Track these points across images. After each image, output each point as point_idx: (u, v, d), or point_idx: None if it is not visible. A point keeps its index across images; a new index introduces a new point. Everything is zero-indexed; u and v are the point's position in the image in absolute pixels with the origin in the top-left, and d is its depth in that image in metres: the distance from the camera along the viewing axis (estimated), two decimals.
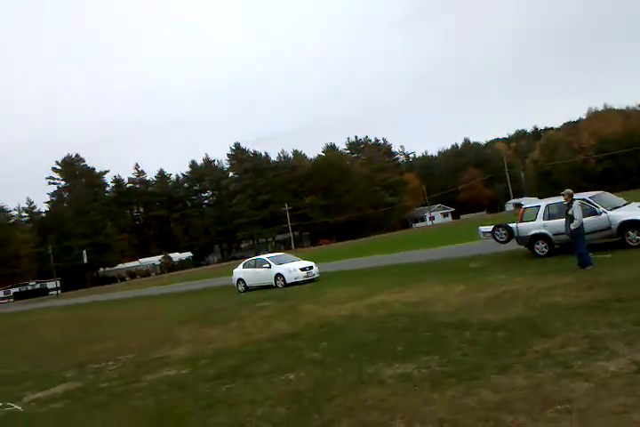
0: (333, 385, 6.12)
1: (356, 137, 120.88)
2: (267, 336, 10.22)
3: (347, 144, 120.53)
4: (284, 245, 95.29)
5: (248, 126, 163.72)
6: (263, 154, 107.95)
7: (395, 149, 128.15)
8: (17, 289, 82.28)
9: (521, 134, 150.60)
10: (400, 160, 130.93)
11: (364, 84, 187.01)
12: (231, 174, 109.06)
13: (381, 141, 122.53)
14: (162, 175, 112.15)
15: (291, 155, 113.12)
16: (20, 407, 7.80)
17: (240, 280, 22.53)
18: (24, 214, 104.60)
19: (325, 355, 7.73)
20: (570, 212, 11.54)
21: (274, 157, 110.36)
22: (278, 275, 20.76)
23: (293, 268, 20.77)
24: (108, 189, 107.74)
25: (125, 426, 6.12)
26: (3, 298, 79.96)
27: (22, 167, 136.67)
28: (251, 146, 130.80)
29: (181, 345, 11.04)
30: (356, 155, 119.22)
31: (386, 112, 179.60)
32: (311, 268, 20.90)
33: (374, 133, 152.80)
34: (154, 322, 16.34)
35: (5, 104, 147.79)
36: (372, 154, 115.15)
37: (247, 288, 22.13)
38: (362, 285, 16.02)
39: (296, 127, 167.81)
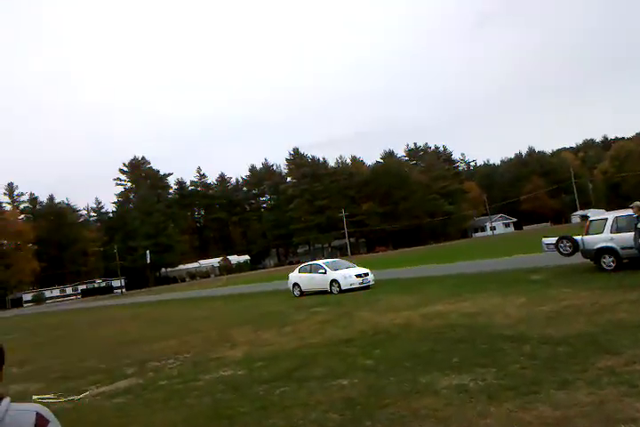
0: (386, 393, 6.10)
1: (415, 144, 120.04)
2: (321, 341, 10.29)
3: (405, 151, 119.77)
4: (339, 252, 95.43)
5: (307, 131, 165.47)
6: (321, 159, 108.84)
7: (455, 156, 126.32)
8: (84, 286, 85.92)
9: (589, 144, 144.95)
10: (460, 168, 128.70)
11: (425, 92, 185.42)
12: (289, 179, 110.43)
13: (441, 149, 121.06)
14: (222, 179, 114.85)
15: (349, 161, 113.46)
16: (78, 398, 8.22)
17: (296, 285, 22.74)
18: (92, 214, 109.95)
19: (379, 362, 7.72)
20: (639, 225, 11.04)
21: (332, 163, 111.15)
22: (334, 281, 20.82)
23: (349, 274, 20.77)
24: (171, 191, 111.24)
25: (182, 423, 6.30)
26: (71, 295, 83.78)
27: (92, 169, 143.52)
28: (309, 151, 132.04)
29: (238, 347, 11.26)
30: (414, 162, 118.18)
31: (447, 119, 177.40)
32: (367, 274, 20.84)
33: (434, 140, 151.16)
34: (212, 323, 16.73)
35: (76, 107, 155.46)
36: (432, 161, 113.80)
37: (302, 293, 22.30)
38: (418, 293, 15.86)
39: (354, 133, 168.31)
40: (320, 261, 23.93)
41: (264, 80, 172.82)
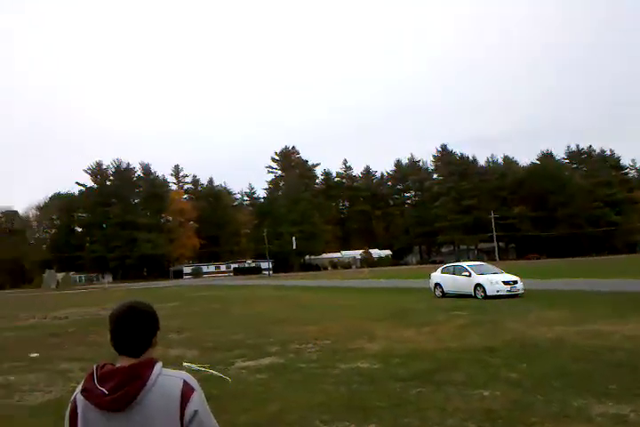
0: (532, 411, 5.75)
1: (577, 146, 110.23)
2: (461, 346, 9.99)
3: (566, 153, 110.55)
4: (486, 255, 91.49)
5: (456, 127, 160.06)
6: (470, 157, 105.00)
7: (624, 162, 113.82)
8: (236, 265, 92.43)
9: None
10: (630, 175, 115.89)
11: (593, 90, 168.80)
12: (435, 176, 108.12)
13: (608, 153, 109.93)
14: (367, 172, 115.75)
15: (500, 160, 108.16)
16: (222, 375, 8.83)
17: (437, 285, 22.31)
18: (246, 198, 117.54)
19: (524, 377, 7.29)
20: None
21: (482, 162, 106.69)
22: (478, 285, 20.05)
23: (495, 280, 19.86)
24: (317, 181, 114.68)
25: (317, 406, 6.49)
26: (224, 271, 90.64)
27: (248, 157, 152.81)
28: (457, 148, 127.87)
29: (376, 340, 11.34)
30: (576, 165, 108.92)
31: (616, 121, 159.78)
32: (515, 282, 19.76)
33: (600, 143, 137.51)
34: (352, 313, 17.02)
35: (235, 101, 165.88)
36: (596, 166, 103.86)
37: (444, 294, 21.81)
38: (574, 308, 14.69)
39: (507, 131, 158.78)
40: (464, 264, 23.26)
41: (415, 73, 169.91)
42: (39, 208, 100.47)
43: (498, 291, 19.37)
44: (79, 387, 1.82)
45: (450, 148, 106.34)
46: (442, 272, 22.70)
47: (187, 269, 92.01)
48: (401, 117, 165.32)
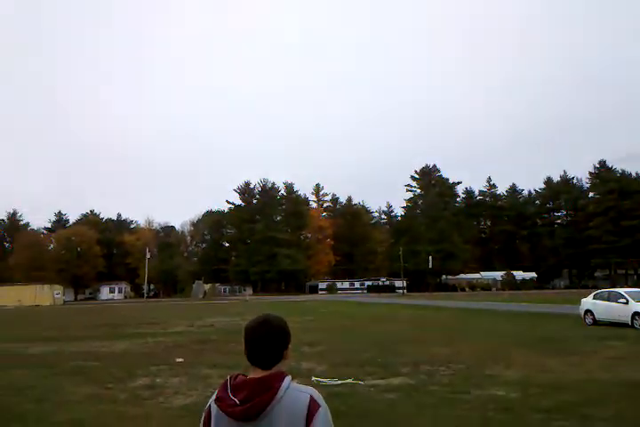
0: None
1: None
2: (612, 379, 9.01)
3: None
4: None
5: (616, 142, 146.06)
6: (634, 174, 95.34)
7: None
8: (370, 282, 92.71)
9: None
10: None
11: None
12: (591, 194, 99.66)
13: None
14: (513, 190, 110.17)
15: None
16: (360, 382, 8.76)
17: (588, 312, 20.44)
18: (383, 217, 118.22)
19: None
20: None
21: None
22: (637, 313, 18.01)
23: None
24: (458, 199, 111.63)
25: None
26: (358, 288, 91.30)
27: (386, 176, 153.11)
28: (618, 165, 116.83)
29: (514, 367, 10.63)
30: None
31: None
32: None
33: None
34: (489, 337, 16.17)
35: (377, 120, 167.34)
36: None
37: (596, 322, 19.90)
38: None
39: None
40: (621, 290, 21.06)
41: (567, 81, 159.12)
42: (193, 224, 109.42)
43: None
44: (214, 395, 1.93)
45: (609, 164, 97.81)
46: (594, 298, 20.78)
47: (322, 285, 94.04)
48: (553, 132, 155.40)
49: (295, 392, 1.84)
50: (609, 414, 6.69)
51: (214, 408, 1.90)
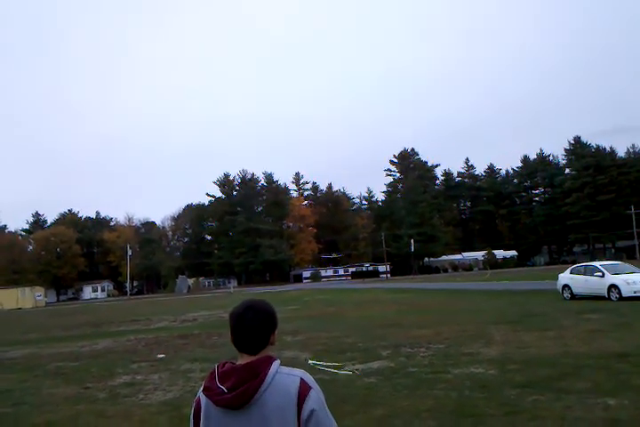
0: None
1: None
2: (588, 352, 9.15)
3: None
4: (625, 254, 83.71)
5: (590, 119, 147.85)
6: (608, 149, 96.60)
7: None
8: (354, 269, 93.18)
9: None
10: None
11: None
12: (568, 171, 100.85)
13: None
14: (491, 170, 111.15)
15: None
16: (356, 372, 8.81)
17: (566, 286, 20.76)
18: (364, 202, 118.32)
19: None
20: None
21: (621, 153, 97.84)
22: (612, 286, 18.36)
23: (632, 280, 18.04)
24: (437, 182, 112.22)
25: (425, 412, 6.24)
26: (342, 275, 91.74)
27: (365, 161, 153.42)
28: (593, 140, 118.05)
29: (492, 345, 10.76)
30: None
31: None
32: None
33: None
34: (470, 317, 16.35)
35: (351, 106, 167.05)
36: None
37: (573, 296, 20.24)
38: None
39: None
40: (597, 263, 21.47)
41: (542, 60, 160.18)
42: (174, 219, 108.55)
43: (635, 292, 17.61)
44: (202, 385, 1.88)
45: (584, 140, 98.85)
46: (571, 273, 21.11)
47: (306, 274, 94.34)
48: (527, 110, 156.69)
49: (284, 376, 1.79)
50: (584, 387, 6.79)
51: (203, 398, 1.85)
